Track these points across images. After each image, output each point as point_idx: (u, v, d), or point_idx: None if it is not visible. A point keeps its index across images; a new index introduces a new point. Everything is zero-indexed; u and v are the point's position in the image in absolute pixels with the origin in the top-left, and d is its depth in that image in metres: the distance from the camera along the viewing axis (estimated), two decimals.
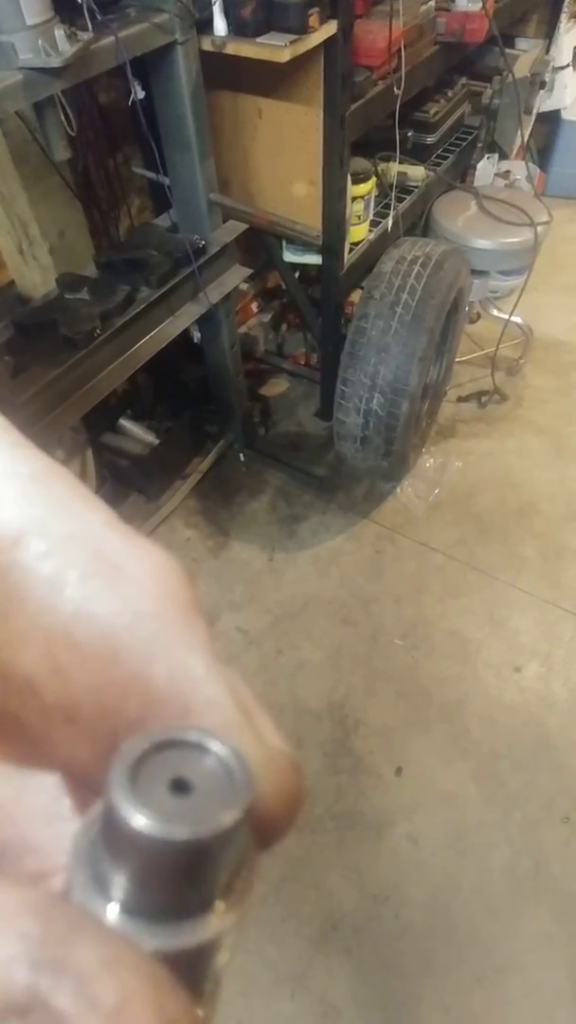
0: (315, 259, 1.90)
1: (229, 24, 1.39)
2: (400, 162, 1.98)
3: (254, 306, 2.47)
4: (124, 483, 2.16)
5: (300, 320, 2.38)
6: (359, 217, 1.92)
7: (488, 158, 2.37)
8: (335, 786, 1.63)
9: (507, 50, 2.31)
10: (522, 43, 2.66)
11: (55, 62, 1.09)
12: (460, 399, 2.45)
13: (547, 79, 2.63)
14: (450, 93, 2.27)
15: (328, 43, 1.44)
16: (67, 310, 1.47)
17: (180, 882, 0.08)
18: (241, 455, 2.30)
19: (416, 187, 2.14)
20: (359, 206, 1.89)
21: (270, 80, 1.56)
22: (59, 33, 1.12)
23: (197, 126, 1.48)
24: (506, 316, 2.30)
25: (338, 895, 1.47)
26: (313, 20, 1.38)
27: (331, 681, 1.80)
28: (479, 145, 2.38)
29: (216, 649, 0.11)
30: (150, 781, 0.09)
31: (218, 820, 0.08)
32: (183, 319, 1.64)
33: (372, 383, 1.78)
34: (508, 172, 2.42)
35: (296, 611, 1.95)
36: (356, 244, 1.97)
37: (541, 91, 2.59)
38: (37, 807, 0.11)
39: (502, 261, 2.19)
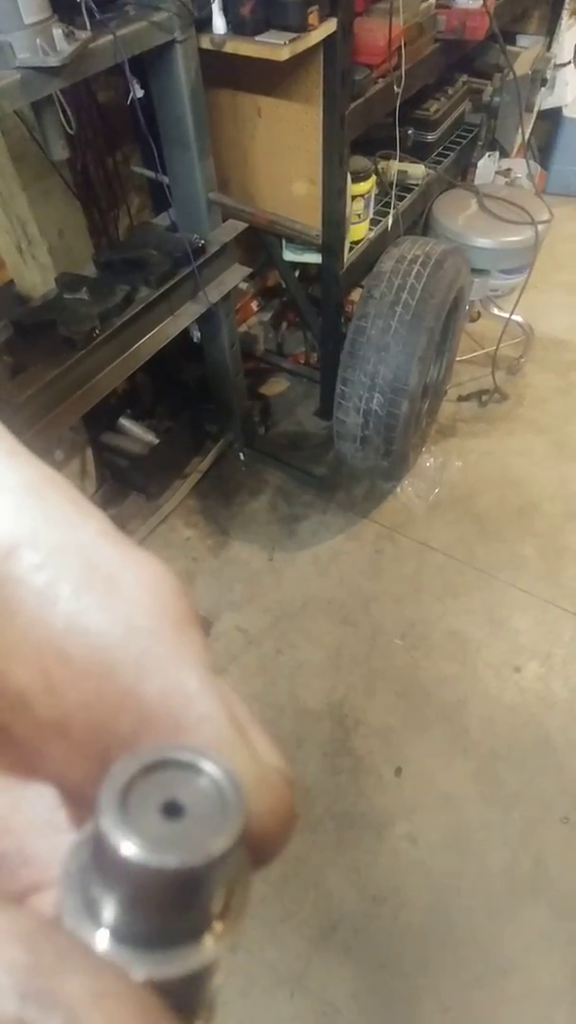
0: (315, 258, 1.90)
1: (228, 22, 1.38)
2: (400, 160, 1.97)
3: (254, 305, 2.47)
4: (124, 482, 2.16)
5: (300, 319, 2.38)
6: (359, 216, 1.92)
7: (489, 156, 2.36)
8: (335, 786, 1.63)
9: (508, 47, 2.30)
10: (523, 40, 2.65)
11: (53, 61, 1.09)
12: (460, 398, 2.44)
13: (548, 76, 2.62)
14: (450, 91, 2.26)
15: (327, 41, 1.43)
16: (66, 310, 1.47)
17: (171, 909, 0.08)
18: (241, 454, 2.30)
19: (416, 185, 2.13)
20: (359, 205, 1.89)
21: (269, 78, 1.55)
22: (57, 32, 1.12)
23: (196, 125, 1.48)
24: (507, 315, 2.29)
25: (338, 895, 1.47)
26: (312, 18, 1.37)
27: (331, 681, 1.80)
28: (480, 143, 2.37)
29: (211, 660, 0.11)
30: (141, 804, 0.08)
31: (209, 847, 0.08)
32: (183, 318, 1.64)
33: (372, 382, 1.78)
34: (509, 170, 2.42)
35: (296, 611, 1.95)
36: (356, 243, 1.96)
37: (542, 88, 2.58)
38: (34, 818, 0.11)
39: (503, 260, 2.18)
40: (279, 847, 0.11)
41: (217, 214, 1.69)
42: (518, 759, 1.64)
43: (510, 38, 2.52)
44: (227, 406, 2.16)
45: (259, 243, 1.99)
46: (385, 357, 1.75)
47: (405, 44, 1.66)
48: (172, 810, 0.09)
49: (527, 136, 2.51)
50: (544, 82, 2.56)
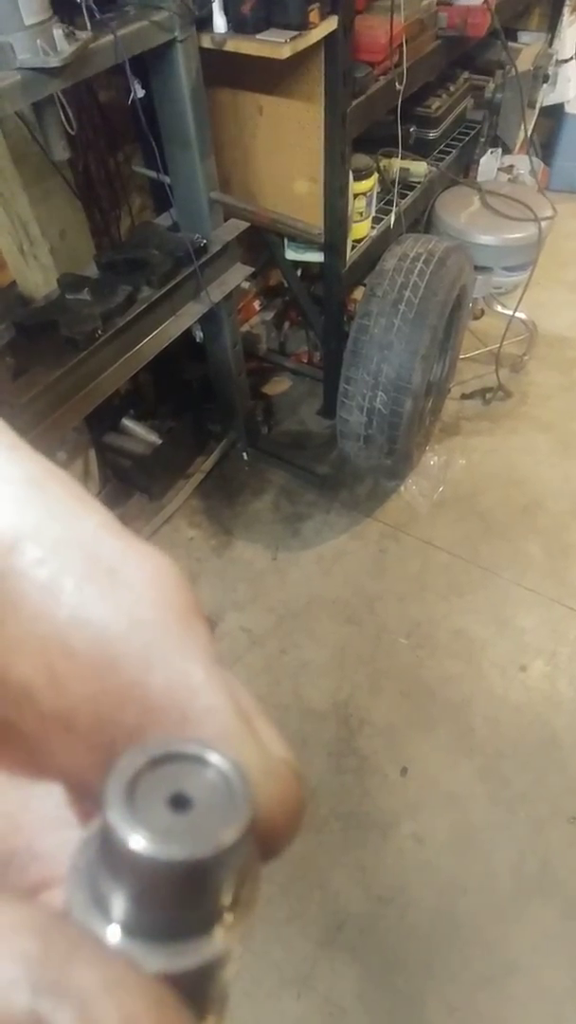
0: (317, 257, 1.89)
1: (229, 21, 1.38)
2: (402, 158, 1.96)
3: (256, 304, 2.47)
4: (127, 483, 2.16)
5: (302, 318, 2.38)
6: (361, 214, 1.91)
7: (491, 153, 2.35)
8: (340, 786, 1.62)
9: (510, 44, 2.29)
10: (525, 36, 2.64)
11: (54, 62, 1.08)
12: (464, 396, 2.43)
13: (550, 73, 2.60)
14: (452, 88, 2.25)
15: (328, 39, 1.43)
16: (68, 311, 1.47)
17: (181, 901, 0.08)
18: (244, 454, 2.30)
19: (419, 183, 2.13)
20: (361, 203, 1.88)
21: (271, 77, 1.55)
22: (57, 32, 1.11)
23: (197, 124, 1.47)
24: (510, 312, 2.28)
25: (344, 895, 1.46)
26: (313, 16, 1.37)
27: (335, 681, 1.80)
28: (482, 140, 2.37)
29: (217, 652, 0.11)
30: (148, 797, 0.08)
31: (218, 838, 0.08)
32: (185, 319, 1.64)
33: (375, 381, 1.77)
34: (511, 167, 2.41)
35: (300, 610, 1.95)
36: (358, 241, 1.96)
37: (544, 85, 2.57)
38: (44, 814, 0.11)
39: (506, 257, 2.17)
40: (288, 839, 0.11)
41: (219, 213, 1.68)
42: (524, 758, 1.64)
43: (512, 35, 2.51)
44: (230, 406, 2.16)
45: (261, 242, 1.99)
46: (388, 355, 1.74)
47: (406, 41, 1.66)
48: (179, 803, 0.08)
49: (529, 132, 2.50)
50: (546, 78, 2.55)
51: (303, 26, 1.36)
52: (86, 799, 0.11)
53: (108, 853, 0.08)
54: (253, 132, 1.71)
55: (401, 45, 1.64)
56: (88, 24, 1.18)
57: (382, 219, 2.00)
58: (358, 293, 2.06)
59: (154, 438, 2.05)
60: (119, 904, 0.08)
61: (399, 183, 2.01)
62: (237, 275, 1.77)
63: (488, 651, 1.82)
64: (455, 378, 2.37)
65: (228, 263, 1.73)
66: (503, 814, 1.56)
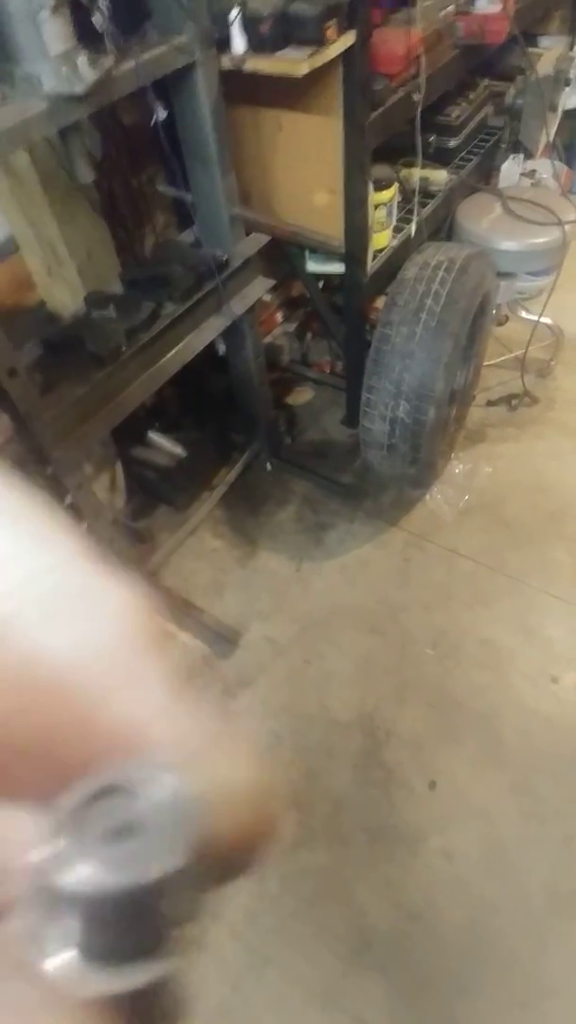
0: (338, 268, 1.90)
1: (247, 41, 1.40)
2: (422, 167, 1.96)
3: (278, 315, 2.48)
4: (153, 495, 2.19)
5: (324, 328, 2.38)
6: (381, 224, 1.91)
7: (513, 158, 2.34)
8: (366, 799, 1.61)
9: (529, 48, 2.28)
10: (545, 41, 2.62)
11: (78, 89, 1.12)
12: (489, 403, 2.41)
13: (572, 76, 2.58)
14: (472, 95, 2.25)
15: (346, 54, 1.44)
16: (94, 328, 1.50)
17: (121, 927, 0.08)
18: (267, 464, 2.31)
19: (439, 191, 2.12)
20: (381, 213, 1.89)
21: (289, 93, 1.57)
22: (81, 60, 1.15)
23: (218, 143, 1.50)
24: (535, 317, 2.26)
25: (371, 911, 1.44)
26: (330, 32, 1.38)
27: (360, 691, 1.78)
28: (503, 146, 2.36)
29: (174, 679, 0.11)
30: (91, 829, 0.09)
31: (155, 867, 0.08)
32: (207, 332, 1.66)
33: (397, 390, 1.77)
34: (534, 171, 2.39)
35: (324, 620, 1.94)
36: (379, 251, 1.96)
37: (566, 88, 2.54)
38: (23, 835, 0.11)
39: (530, 262, 2.15)
40: (250, 859, 0.11)
41: (240, 228, 1.70)
42: (557, 773, 1.60)
43: (531, 39, 2.49)
44: (253, 417, 2.17)
45: (282, 254, 2.01)
46: (410, 364, 1.74)
47: (424, 52, 1.66)
48: (122, 833, 0.09)
49: (551, 136, 2.47)
50: (568, 82, 2.52)
51: (320, 42, 1.37)
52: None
53: (53, 882, 0.08)
54: (273, 147, 1.73)
55: (419, 56, 1.65)
56: (111, 50, 1.21)
57: (403, 228, 2.00)
58: (380, 302, 2.06)
59: (179, 450, 2.08)
60: (67, 928, 0.08)
61: (420, 192, 2.01)
62: (258, 288, 1.78)
63: (517, 661, 1.79)
64: (480, 385, 2.35)
65: (249, 277, 1.75)
66: (536, 830, 1.52)
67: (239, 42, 1.40)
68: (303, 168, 1.71)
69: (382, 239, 1.95)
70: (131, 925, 0.08)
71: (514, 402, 2.38)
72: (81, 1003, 0.08)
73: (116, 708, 0.10)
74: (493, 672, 1.78)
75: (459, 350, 1.80)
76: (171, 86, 1.43)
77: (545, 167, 2.39)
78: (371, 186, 1.76)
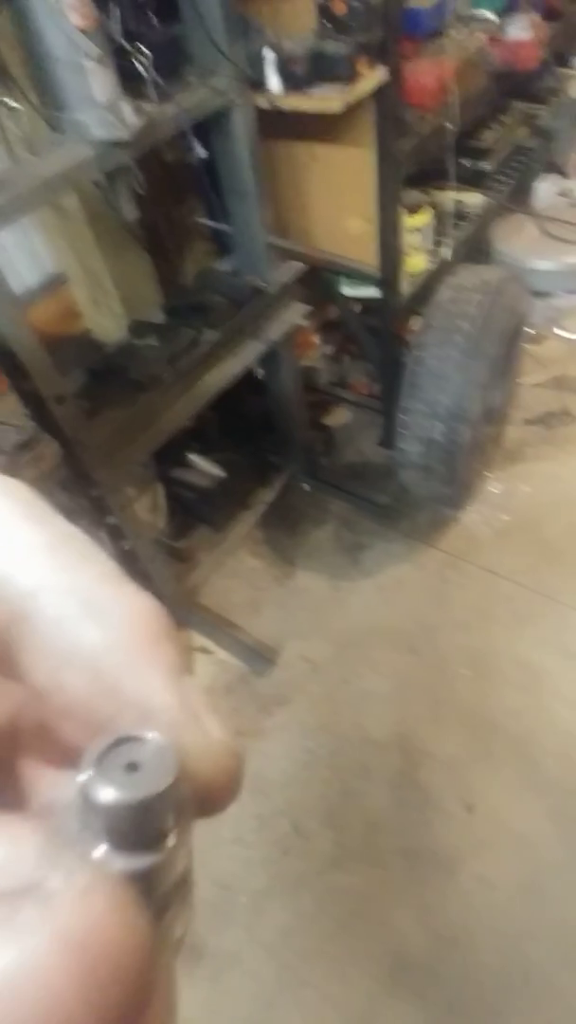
0: (373, 292, 1.94)
1: (282, 80, 1.46)
2: (456, 191, 1.99)
3: (316, 339, 2.53)
4: (192, 515, 2.24)
5: (360, 351, 2.42)
6: (415, 248, 1.95)
7: (547, 179, 2.34)
8: (402, 820, 1.59)
9: (564, 70, 2.30)
10: None
11: (124, 134, 1.19)
12: (526, 422, 2.39)
13: None
14: (505, 118, 2.28)
15: (379, 87, 1.49)
16: (137, 355, 1.57)
17: (136, 826, 0.13)
18: (305, 485, 2.34)
19: (473, 214, 2.15)
20: (415, 237, 1.92)
21: (323, 126, 1.62)
22: (127, 108, 1.22)
23: (255, 177, 1.56)
24: (572, 335, 2.24)
25: (407, 935, 1.43)
26: (362, 68, 1.43)
27: (397, 711, 1.78)
28: (537, 166, 2.37)
29: (179, 665, 0.15)
30: (111, 765, 0.13)
31: (156, 785, 0.13)
32: (245, 357, 1.71)
33: (432, 412, 1.78)
34: (570, 191, 2.39)
35: (360, 639, 1.95)
36: (414, 274, 1.99)
37: None
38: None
39: (565, 281, 2.15)
40: (225, 797, 0.15)
41: (276, 257, 1.76)
42: None
43: (564, 61, 2.50)
44: (290, 438, 2.21)
45: (318, 279, 2.06)
46: (445, 386, 1.75)
47: (456, 81, 1.70)
48: (132, 767, 0.13)
49: None
50: None
51: (352, 78, 1.42)
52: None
53: (87, 799, 0.13)
54: (308, 178, 1.78)
55: (451, 86, 1.68)
56: (154, 96, 1.28)
57: (437, 251, 2.03)
58: (415, 323, 2.08)
59: (217, 471, 2.13)
60: (97, 828, 0.12)
61: (454, 215, 2.03)
62: (294, 314, 1.83)
63: (555, 684, 1.76)
64: (516, 404, 2.34)
65: (286, 303, 1.80)
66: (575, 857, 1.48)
67: (274, 81, 1.47)
68: (337, 197, 1.76)
69: (416, 263, 1.98)
70: (141, 826, 0.13)
71: (551, 421, 2.36)
72: (111, 884, 0.11)
73: (132, 683, 0.14)
74: (531, 694, 1.75)
75: (494, 370, 1.81)
76: (210, 125, 1.50)
77: None
78: (404, 212, 1.79)
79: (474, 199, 2.15)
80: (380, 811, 1.61)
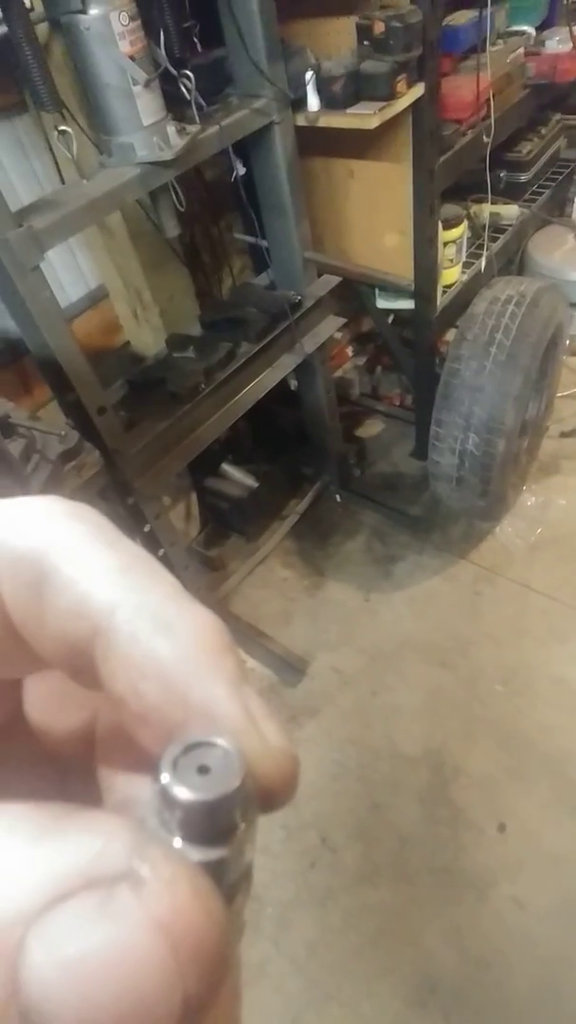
0: (407, 304, 1.94)
1: (321, 99, 1.49)
2: (492, 203, 1.99)
3: (349, 350, 2.54)
4: (225, 524, 2.26)
5: (394, 362, 2.42)
6: (451, 260, 1.95)
7: None
8: (433, 838, 1.57)
9: None
10: None
11: (168, 156, 1.23)
12: (563, 434, 2.36)
13: None
14: (543, 130, 2.27)
15: (415, 104, 1.50)
16: (175, 368, 1.60)
17: (209, 823, 0.14)
18: (337, 496, 2.34)
19: (510, 226, 2.14)
20: (451, 250, 1.92)
21: (361, 143, 1.64)
22: (171, 129, 1.26)
23: (292, 193, 1.59)
24: None
25: (436, 955, 1.41)
26: (401, 86, 1.45)
27: (428, 726, 1.76)
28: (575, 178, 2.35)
29: (241, 675, 0.16)
30: (185, 767, 0.14)
31: (226, 786, 0.14)
32: (280, 370, 1.73)
33: (467, 423, 1.77)
34: None
35: (392, 652, 1.94)
36: (448, 286, 1.99)
37: None
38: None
39: None
40: (283, 796, 0.16)
41: (312, 271, 1.78)
42: None
43: None
44: (323, 449, 2.22)
45: (352, 291, 2.07)
46: (480, 398, 1.74)
47: (494, 95, 1.70)
48: (204, 770, 0.14)
49: None
50: None
51: (391, 96, 1.44)
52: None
53: (165, 798, 0.14)
54: (345, 194, 1.80)
55: (488, 100, 1.69)
56: (196, 117, 1.32)
57: (473, 263, 2.03)
58: (449, 335, 2.08)
59: (250, 481, 2.15)
60: (174, 825, 0.14)
61: (490, 227, 2.03)
62: (330, 326, 1.85)
63: None
64: (552, 416, 2.31)
65: (321, 316, 1.82)
66: None
67: (313, 100, 1.49)
68: (373, 212, 1.78)
69: (451, 275, 1.98)
70: (213, 822, 0.14)
71: None
72: (194, 875, 0.13)
73: (199, 692, 0.15)
74: (566, 712, 1.71)
75: (530, 383, 1.79)
76: (250, 144, 1.53)
77: None
78: (440, 226, 1.80)
79: (510, 211, 2.14)
80: (410, 827, 1.59)
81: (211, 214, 1.91)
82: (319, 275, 1.81)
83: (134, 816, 0.14)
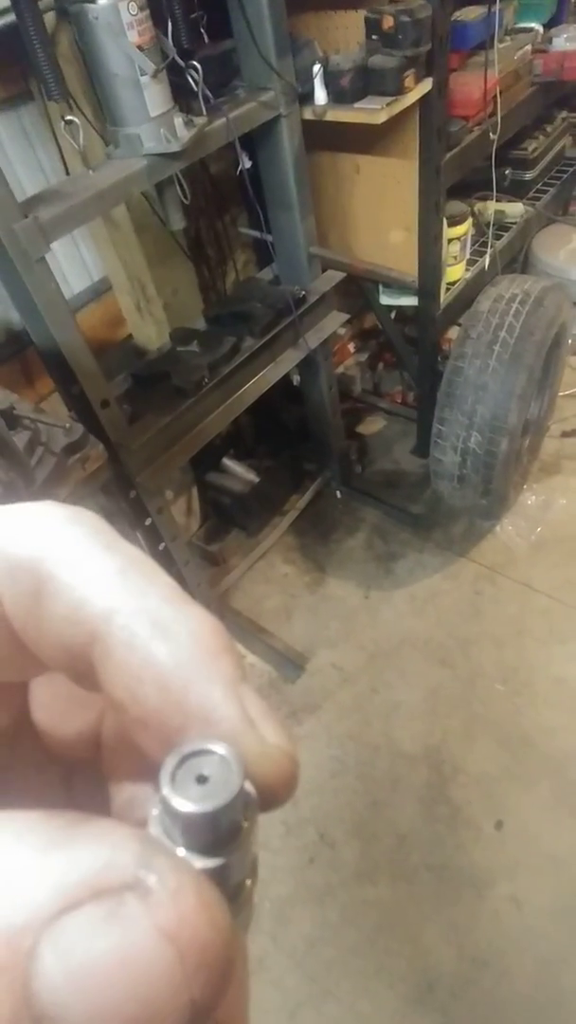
0: (411, 301, 1.94)
1: (329, 93, 1.48)
2: (497, 200, 1.99)
3: (351, 346, 2.54)
4: (226, 519, 2.26)
5: (396, 359, 2.42)
6: (455, 258, 1.94)
7: None
8: (432, 835, 1.57)
9: None
10: None
11: (175, 147, 1.22)
12: (564, 434, 2.36)
13: None
14: (549, 128, 2.26)
15: (423, 100, 1.49)
16: (179, 362, 1.60)
17: (210, 832, 0.14)
18: (338, 492, 2.34)
19: (514, 224, 2.13)
20: (455, 247, 1.91)
21: (367, 137, 1.63)
22: (178, 121, 1.25)
23: (299, 188, 1.58)
24: None
25: (435, 954, 1.41)
26: (409, 81, 1.44)
27: (427, 724, 1.76)
28: None
29: (239, 677, 0.16)
30: (184, 778, 0.14)
31: (222, 797, 0.14)
32: (284, 365, 1.73)
33: (470, 421, 1.77)
34: None
35: (392, 650, 1.93)
36: (452, 284, 1.98)
37: None
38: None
39: None
40: (283, 795, 0.16)
41: (317, 266, 1.77)
42: None
43: None
44: (325, 445, 2.22)
45: (356, 288, 2.07)
46: (483, 396, 1.74)
47: (501, 92, 1.69)
48: (202, 780, 0.14)
49: None
50: None
51: (399, 91, 1.43)
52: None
53: (167, 810, 0.14)
54: (351, 189, 1.80)
55: (495, 96, 1.68)
56: (204, 109, 1.31)
57: (477, 261, 2.02)
58: (452, 332, 2.07)
59: (252, 477, 2.14)
60: (177, 835, 0.14)
61: (494, 225, 2.02)
62: (333, 322, 1.84)
63: None
64: (555, 415, 2.31)
65: (325, 311, 1.81)
66: None
67: (321, 94, 1.48)
68: (379, 208, 1.77)
69: (455, 272, 1.98)
70: (213, 831, 0.14)
71: None
72: (198, 880, 0.13)
73: (196, 696, 0.15)
74: (567, 712, 1.71)
75: (533, 381, 1.79)
76: (256, 137, 1.52)
77: None
78: (445, 223, 1.79)
79: (515, 209, 2.14)
80: (408, 824, 1.60)
81: (216, 208, 1.90)
82: (323, 270, 1.80)
83: (139, 818, 0.14)
